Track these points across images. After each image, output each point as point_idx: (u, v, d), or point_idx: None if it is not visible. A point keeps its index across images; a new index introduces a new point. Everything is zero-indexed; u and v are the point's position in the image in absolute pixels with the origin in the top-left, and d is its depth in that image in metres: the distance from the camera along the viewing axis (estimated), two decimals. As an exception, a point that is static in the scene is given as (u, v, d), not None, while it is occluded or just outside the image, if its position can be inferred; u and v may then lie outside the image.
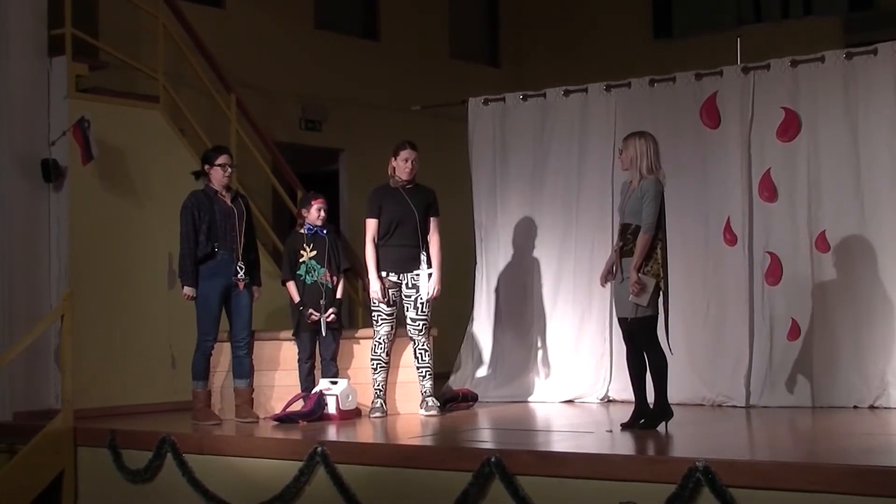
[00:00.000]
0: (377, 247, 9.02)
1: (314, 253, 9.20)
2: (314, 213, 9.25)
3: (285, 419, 8.79)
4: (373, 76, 14.01)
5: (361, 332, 9.53)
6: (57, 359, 9.44)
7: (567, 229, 10.30)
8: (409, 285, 9.04)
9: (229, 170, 8.97)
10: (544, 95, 10.51)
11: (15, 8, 9.75)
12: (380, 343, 9.06)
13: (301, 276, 9.20)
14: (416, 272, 9.02)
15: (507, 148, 10.65)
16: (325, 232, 9.27)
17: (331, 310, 9.14)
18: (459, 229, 11.20)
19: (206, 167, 8.98)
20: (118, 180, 10.12)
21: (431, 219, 9.09)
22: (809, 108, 9.33)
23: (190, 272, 8.81)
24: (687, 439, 7.59)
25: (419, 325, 9.06)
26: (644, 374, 7.87)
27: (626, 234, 7.82)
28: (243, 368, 9.02)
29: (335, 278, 9.24)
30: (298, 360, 9.21)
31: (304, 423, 8.69)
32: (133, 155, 10.23)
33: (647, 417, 7.84)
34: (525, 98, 10.60)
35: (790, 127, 9.36)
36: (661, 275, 7.71)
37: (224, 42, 12.26)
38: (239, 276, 8.87)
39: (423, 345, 9.08)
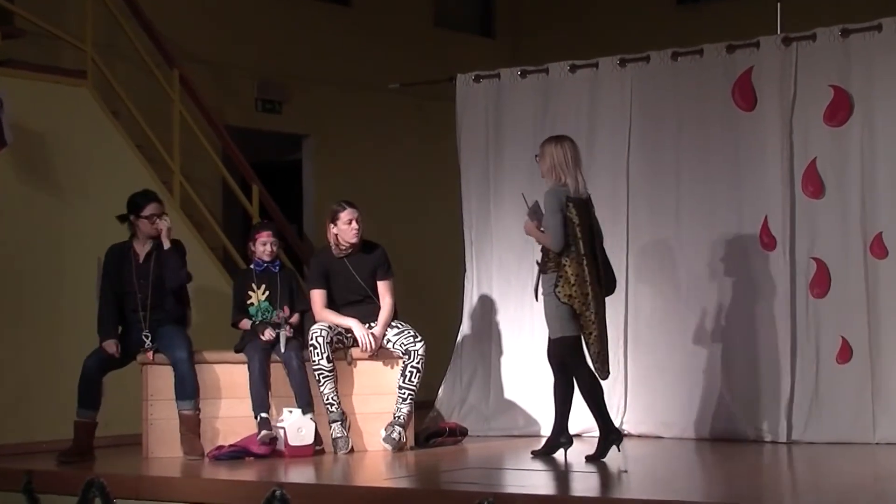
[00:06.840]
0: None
1: (266, 294, 9.29)
2: (260, 248, 9.37)
3: (229, 455, 8.80)
4: (343, 48, 14.01)
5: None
6: (-37, 386, 9.34)
7: (573, 231, 10.33)
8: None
9: (158, 221, 9.04)
10: (546, 71, 10.52)
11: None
12: (315, 347, 9.03)
13: (254, 317, 9.29)
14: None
15: (501, 133, 10.64)
16: (277, 268, 9.39)
17: (287, 326, 9.13)
18: (445, 231, 11.19)
19: (132, 217, 9.08)
20: (38, 170, 10.10)
21: (380, 283, 9.42)
22: (863, 86, 9.32)
23: (108, 323, 9.02)
24: (717, 480, 7.67)
25: (409, 333, 9.27)
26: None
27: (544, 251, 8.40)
28: (186, 385, 8.95)
29: (291, 313, 9.29)
30: (248, 367, 9.09)
31: (252, 458, 8.78)
32: (56, 140, 10.23)
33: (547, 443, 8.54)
34: (524, 74, 10.61)
35: (840, 109, 9.36)
36: (576, 295, 8.27)
37: (165, 8, 12.18)
38: (146, 345, 9.01)
39: (417, 361, 9.21)
